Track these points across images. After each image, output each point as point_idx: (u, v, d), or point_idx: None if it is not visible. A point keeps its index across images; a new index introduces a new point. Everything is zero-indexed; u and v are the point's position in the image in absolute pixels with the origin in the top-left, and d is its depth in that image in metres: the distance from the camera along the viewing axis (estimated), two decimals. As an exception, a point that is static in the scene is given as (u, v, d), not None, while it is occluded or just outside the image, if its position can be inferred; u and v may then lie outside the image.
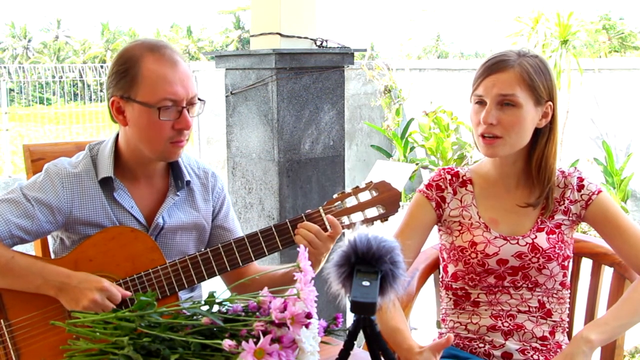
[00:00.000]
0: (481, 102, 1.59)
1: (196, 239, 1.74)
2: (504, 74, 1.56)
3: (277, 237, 1.56)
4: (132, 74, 1.55)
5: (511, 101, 1.55)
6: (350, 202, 1.59)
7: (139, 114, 1.56)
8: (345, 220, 1.57)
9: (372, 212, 1.58)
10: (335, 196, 1.59)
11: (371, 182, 1.59)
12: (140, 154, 1.63)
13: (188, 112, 1.58)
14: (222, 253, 1.55)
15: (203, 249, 1.75)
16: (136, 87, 1.55)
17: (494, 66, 1.57)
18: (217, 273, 1.56)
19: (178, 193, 1.68)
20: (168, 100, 1.55)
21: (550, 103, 1.60)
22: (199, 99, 1.62)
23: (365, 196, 1.58)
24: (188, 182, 1.70)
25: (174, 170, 1.70)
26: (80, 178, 1.62)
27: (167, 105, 1.55)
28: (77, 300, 1.46)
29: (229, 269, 1.56)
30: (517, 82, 1.55)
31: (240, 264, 1.56)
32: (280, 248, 1.57)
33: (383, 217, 1.59)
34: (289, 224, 1.57)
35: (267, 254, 1.57)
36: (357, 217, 1.59)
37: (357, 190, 1.59)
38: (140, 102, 1.55)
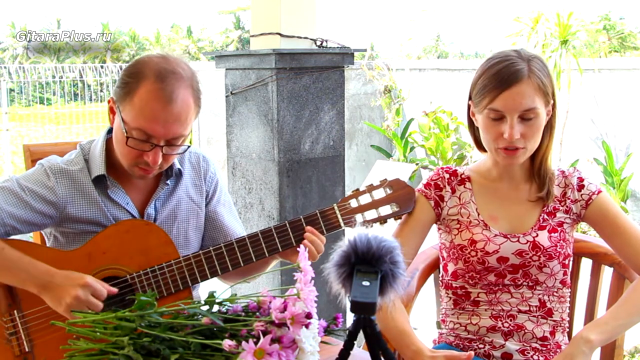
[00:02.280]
0: (499, 117, 1.56)
1: (194, 227, 1.74)
2: (522, 86, 1.52)
3: (291, 233, 1.58)
4: (129, 90, 1.53)
5: (532, 113, 1.54)
6: (365, 199, 1.60)
7: (117, 126, 1.58)
8: (359, 218, 1.58)
9: (385, 209, 1.59)
10: (349, 193, 1.61)
11: (385, 179, 1.61)
12: None
13: (164, 149, 1.54)
14: (236, 248, 1.57)
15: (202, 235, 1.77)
16: (126, 103, 1.54)
17: (510, 79, 1.53)
18: (230, 268, 1.58)
19: (168, 182, 1.68)
20: (142, 133, 1.51)
21: (552, 101, 1.61)
22: (187, 145, 1.58)
23: (379, 194, 1.60)
24: (180, 171, 1.70)
25: None
26: (75, 175, 1.62)
27: (138, 137, 1.52)
28: (60, 298, 1.46)
29: (242, 264, 1.57)
30: (535, 93, 1.53)
31: (254, 259, 1.58)
32: (294, 244, 1.59)
33: (397, 215, 1.60)
34: (303, 221, 1.58)
35: (280, 250, 1.59)
36: (371, 214, 1.60)
37: (371, 188, 1.60)
38: (122, 118, 1.55)
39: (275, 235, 1.57)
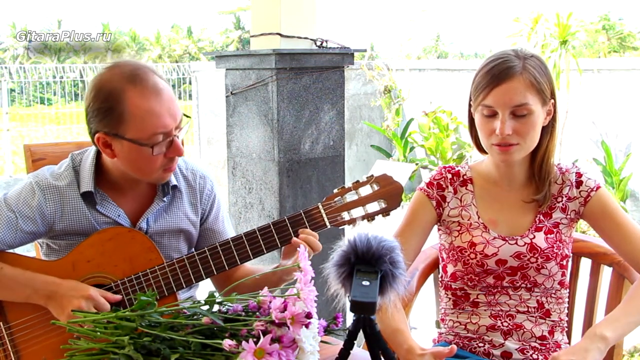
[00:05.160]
0: (492, 113, 1.56)
1: (185, 241, 1.72)
2: (513, 82, 1.53)
3: (275, 235, 1.55)
4: (118, 112, 1.48)
5: (524, 109, 1.53)
6: (351, 197, 1.55)
7: (129, 150, 1.51)
8: (346, 215, 1.54)
9: (373, 206, 1.54)
10: (335, 191, 1.56)
11: (372, 175, 1.55)
12: (127, 175, 1.61)
13: (177, 136, 1.54)
14: (220, 252, 1.54)
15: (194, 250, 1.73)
16: (124, 124, 1.48)
17: (501, 75, 1.54)
18: (215, 272, 1.55)
19: (164, 199, 1.65)
20: (159, 135, 1.50)
21: (552, 101, 1.60)
22: (184, 115, 1.57)
23: (366, 190, 1.55)
24: (175, 186, 1.67)
25: None
26: (62, 190, 1.59)
27: (158, 140, 1.50)
28: (63, 307, 1.46)
29: (227, 267, 1.55)
30: (527, 89, 1.53)
31: (239, 262, 1.55)
32: (279, 246, 1.56)
33: (384, 212, 1.55)
34: (287, 221, 1.55)
35: (265, 252, 1.56)
36: (357, 212, 1.55)
37: (357, 185, 1.55)
38: (130, 139, 1.50)
39: (259, 237, 1.54)
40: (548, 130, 1.62)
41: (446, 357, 1.40)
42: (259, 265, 1.85)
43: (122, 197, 1.64)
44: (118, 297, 1.51)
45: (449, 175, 1.71)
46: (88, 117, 1.54)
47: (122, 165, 1.57)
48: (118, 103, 1.48)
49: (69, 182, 1.60)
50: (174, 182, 1.66)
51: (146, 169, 1.55)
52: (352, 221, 1.54)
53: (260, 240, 1.54)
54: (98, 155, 1.62)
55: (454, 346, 1.37)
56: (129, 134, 1.49)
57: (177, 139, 1.53)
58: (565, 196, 1.65)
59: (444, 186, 1.70)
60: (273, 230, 1.55)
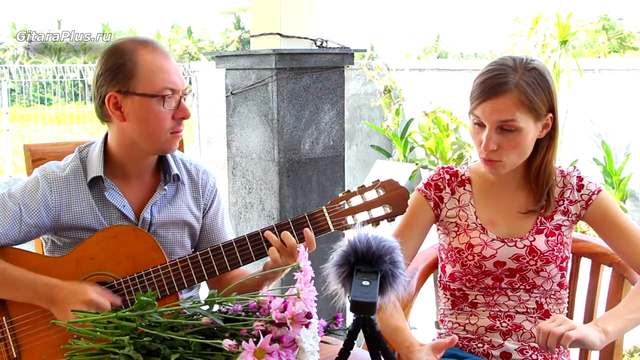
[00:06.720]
0: (480, 124, 1.56)
1: (189, 236, 1.73)
2: (502, 99, 1.51)
3: (279, 237, 1.56)
4: (129, 67, 1.54)
5: (511, 126, 1.53)
6: (356, 201, 1.55)
7: (140, 106, 1.55)
8: (350, 220, 1.54)
9: (378, 211, 1.54)
10: (340, 195, 1.56)
11: (378, 180, 1.55)
12: (134, 150, 1.62)
13: (186, 100, 1.60)
14: (223, 252, 1.55)
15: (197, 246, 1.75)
16: (135, 79, 1.54)
17: (491, 90, 1.52)
18: (217, 272, 1.55)
19: (166, 187, 1.67)
20: (168, 90, 1.56)
21: (550, 114, 1.58)
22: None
23: (371, 195, 1.54)
24: (177, 176, 1.68)
25: (163, 165, 1.69)
26: (67, 181, 1.61)
27: (168, 94, 1.56)
28: (65, 311, 1.47)
29: (229, 268, 1.56)
30: (515, 107, 1.51)
31: (241, 264, 1.56)
32: None
33: (390, 217, 1.55)
34: (291, 223, 1.55)
35: (267, 254, 1.56)
36: (362, 216, 1.55)
37: (362, 190, 1.55)
38: (141, 93, 1.54)
39: (262, 239, 1.54)
40: (545, 141, 1.61)
41: (447, 347, 1.39)
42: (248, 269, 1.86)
43: (127, 188, 1.65)
44: (118, 301, 1.51)
45: (447, 176, 1.71)
46: (98, 84, 1.58)
47: (132, 130, 1.58)
48: (130, 59, 1.55)
49: (75, 172, 1.62)
50: (175, 170, 1.68)
51: (155, 129, 1.57)
52: (365, 223, 1.54)
53: (263, 242, 1.55)
54: (105, 144, 1.65)
55: (455, 337, 1.37)
56: (140, 89, 1.55)
57: (184, 101, 1.59)
58: (567, 199, 1.65)
59: (441, 187, 1.70)
60: (277, 232, 1.55)
